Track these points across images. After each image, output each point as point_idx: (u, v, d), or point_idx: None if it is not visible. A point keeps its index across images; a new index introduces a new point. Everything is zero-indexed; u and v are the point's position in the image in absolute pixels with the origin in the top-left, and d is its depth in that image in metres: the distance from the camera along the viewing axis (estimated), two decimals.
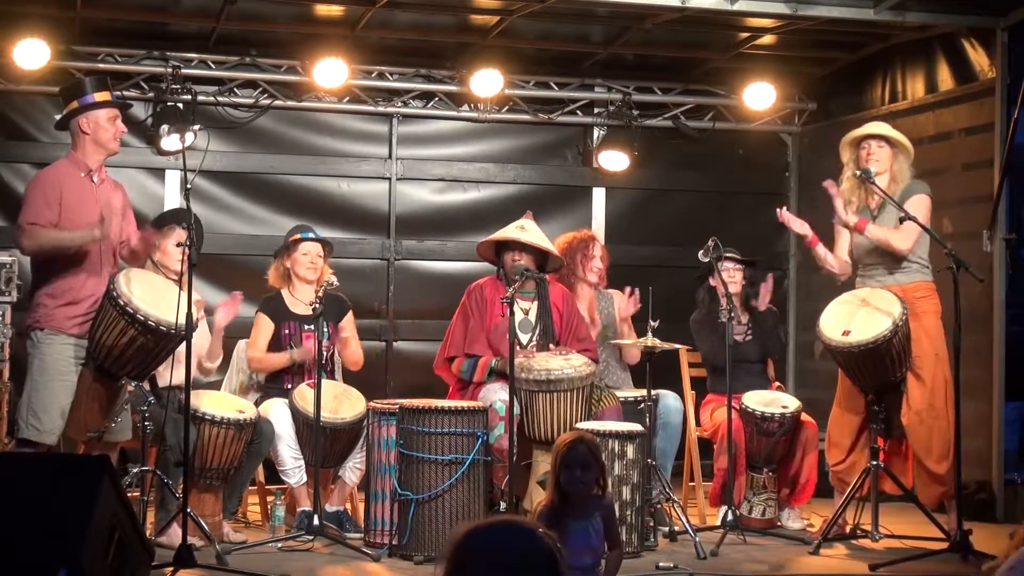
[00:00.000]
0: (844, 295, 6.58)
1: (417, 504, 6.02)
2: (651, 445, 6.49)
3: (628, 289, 7.03)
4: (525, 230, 6.78)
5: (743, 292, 7.27)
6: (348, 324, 7.00)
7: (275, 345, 6.83)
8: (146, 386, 5.97)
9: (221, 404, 6.36)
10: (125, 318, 5.65)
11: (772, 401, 6.94)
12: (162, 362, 5.94)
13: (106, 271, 5.89)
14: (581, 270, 7.21)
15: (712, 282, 7.22)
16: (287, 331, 6.81)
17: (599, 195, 9.16)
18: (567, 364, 6.34)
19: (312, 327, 6.71)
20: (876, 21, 7.58)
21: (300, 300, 6.85)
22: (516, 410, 6.15)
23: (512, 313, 6.22)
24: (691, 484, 7.36)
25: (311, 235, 6.95)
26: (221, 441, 6.20)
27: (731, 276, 7.13)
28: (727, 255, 7.12)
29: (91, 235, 5.75)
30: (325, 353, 6.69)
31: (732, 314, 6.62)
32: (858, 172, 6.44)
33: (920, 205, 6.41)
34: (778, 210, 6.71)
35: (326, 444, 6.36)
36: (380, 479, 6.22)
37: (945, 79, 8.00)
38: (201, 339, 6.58)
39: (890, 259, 6.47)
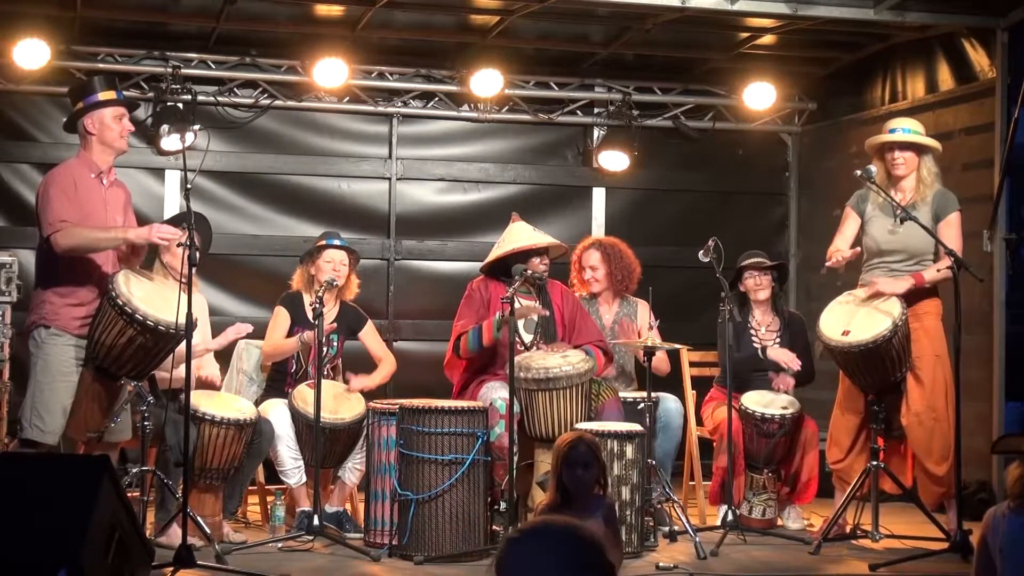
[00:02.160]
0: (844, 295, 6.58)
1: (417, 504, 6.01)
2: (651, 445, 6.49)
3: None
4: (536, 231, 6.78)
5: (772, 297, 7.22)
6: (369, 338, 6.99)
7: None
8: (145, 386, 5.97)
9: (221, 404, 6.36)
10: (124, 318, 5.65)
11: (772, 402, 6.94)
12: (162, 362, 5.94)
13: (113, 273, 5.89)
14: (581, 281, 7.28)
15: (743, 287, 7.17)
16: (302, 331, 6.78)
17: (599, 195, 9.17)
18: (565, 362, 6.34)
19: (327, 337, 6.69)
20: (876, 21, 7.59)
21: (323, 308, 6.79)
22: (516, 408, 6.15)
23: (513, 313, 6.22)
24: (691, 484, 7.36)
25: (335, 242, 6.88)
26: (221, 441, 6.20)
27: (758, 283, 7.12)
28: (747, 264, 7.10)
29: (123, 236, 5.77)
30: (330, 364, 6.70)
31: (731, 313, 6.58)
32: (858, 172, 6.42)
33: (955, 225, 6.40)
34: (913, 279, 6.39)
35: (325, 445, 6.36)
36: (380, 479, 6.22)
37: (945, 79, 8.00)
38: (200, 338, 6.57)
39: (899, 261, 6.46)
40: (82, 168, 5.89)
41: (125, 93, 7.95)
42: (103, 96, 5.94)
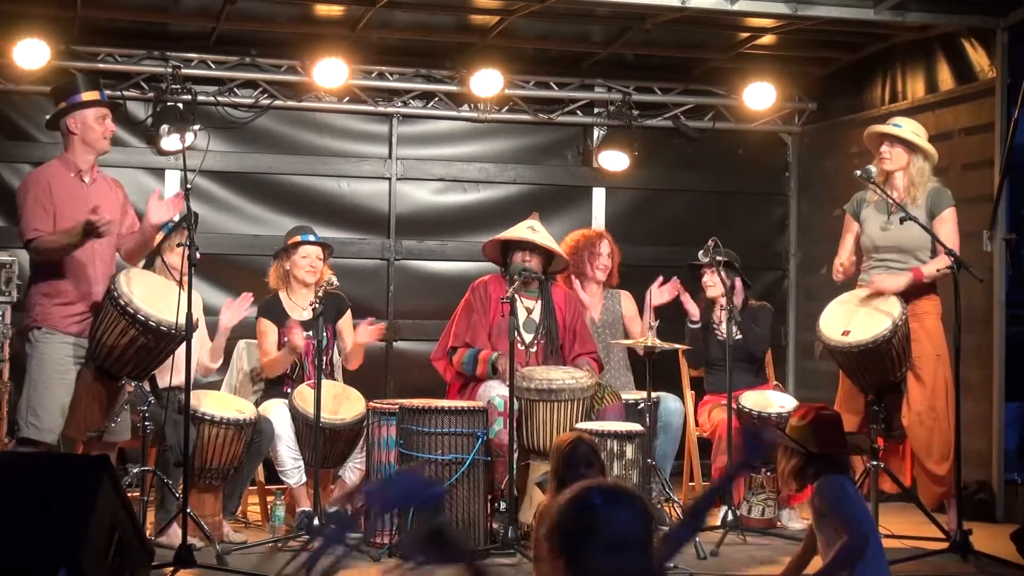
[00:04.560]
0: (844, 295, 6.59)
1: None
2: (651, 446, 6.49)
3: (660, 279, 7.21)
4: (535, 231, 6.79)
5: (730, 293, 7.23)
6: (346, 324, 7.00)
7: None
8: (146, 386, 5.97)
9: (221, 404, 6.36)
10: (126, 318, 5.65)
11: (770, 402, 6.94)
12: (162, 362, 5.94)
13: (102, 269, 5.88)
14: (589, 268, 7.29)
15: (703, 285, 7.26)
16: (286, 337, 6.79)
17: (599, 195, 9.16)
18: (568, 375, 6.35)
19: (311, 332, 6.68)
20: (876, 21, 7.58)
21: (298, 304, 6.84)
22: (516, 408, 6.15)
23: (514, 313, 6.22)
24: (691, 484, 7.37)
25: (311, 238, 6.92)
26: (221, 441, 6.20)
27: (709, 282, 7.20)
28: (693, 263, 7.18)
29: (77, 235, 5.65)
30: (324, 356, 6.70)
31: (731, 313, 6.62)
32: (858, 172, 6.43)
33: (950, 221, 6.43)
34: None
35: (326, 445, 6.35)
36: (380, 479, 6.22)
37: (945, 79, 8.00)
38: (201, 340, 6.57)
39: (895, 259, 6.48)
40: (61, 168, 5.89)
41: (125, 93, 8.03)
42: (86, 96, 5.94)
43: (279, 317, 6.83)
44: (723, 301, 7.05)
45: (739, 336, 7.12)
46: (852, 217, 6.69)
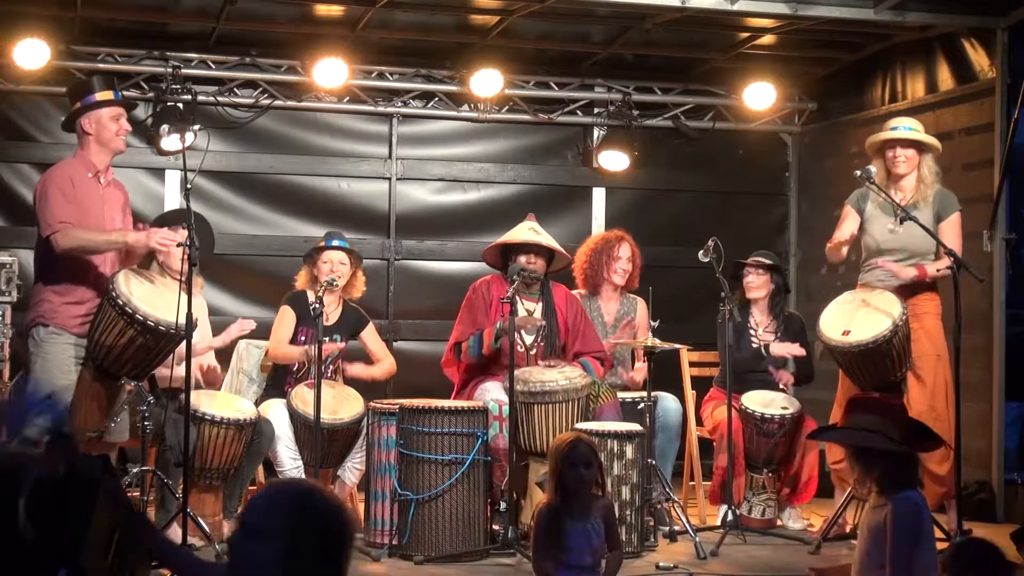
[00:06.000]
0: (844, 295, 6.59)
1: (417, 504, 6.02)
2: (651, 445, 6.49)
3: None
4: (538, 233, 6.78)
5: (771, 297, 7.21)
6: (369, 338, 7.00)
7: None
8: (145, 386, 5.97)
9: (221, 404, 6.36)
10: (124, 318, 5.65)
11: (772, 402, 6.94)
12: (162, 362, 5.94)
13: (111, 270, 5.89)
14: (605, 271, 7.25)
15: (743, 285, 7.19)
16: (303, 337, 6.77)
17: (599, 195, 9.16)
18: (562, 376, 6.34)
19: (328, 339, 6.67)
20: (876, 21, 7.59)
21: (323, 308, 6.79)
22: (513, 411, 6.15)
23: (514, 313, 6.22)
24: (691, 484, 7.37)
25: (334, 243, 6.88)
26: (221, 441, 6.20)
27: (750, 282, 7.13)
28: (745, 260, 7.11)
29: (122, 240, 5.77)
30: (333, 366, 6.72)
31: (731, 314, 6.61)
32: (858, 172, 6.43)
33: (956, 224, 6.46)
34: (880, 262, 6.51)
35: (324, 445, 6.35)
36: (380, 479, 6.22)
37: (945, 79, 8.00)
38: (201, 337, 6.57)
39: (895, 259, 6.48)
40: (79, 167, 5.90)
41: (125, 93, 8.00)
42: (100, 96, 5.96)
43: (302, 314, 6.79)
44: (763, 304, 7.08)
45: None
46: (855, 210, 6.67)
